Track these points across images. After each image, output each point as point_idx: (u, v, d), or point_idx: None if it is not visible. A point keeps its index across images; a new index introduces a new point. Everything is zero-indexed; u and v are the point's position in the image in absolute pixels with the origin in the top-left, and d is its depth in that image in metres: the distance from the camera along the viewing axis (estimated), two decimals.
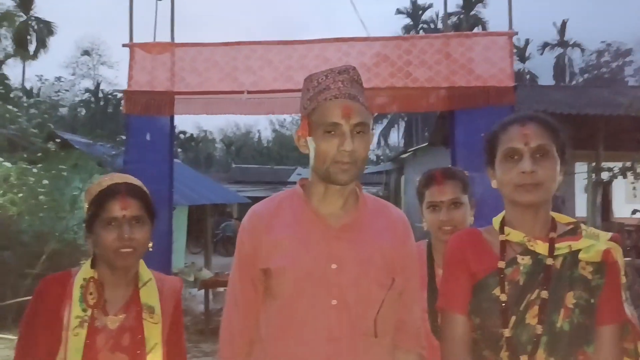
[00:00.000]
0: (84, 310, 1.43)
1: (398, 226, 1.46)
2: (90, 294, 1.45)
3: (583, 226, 1.36)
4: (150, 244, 1.51)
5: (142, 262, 1.56)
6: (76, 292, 1.45)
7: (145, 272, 1.56)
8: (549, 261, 1.29)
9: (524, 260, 1.31)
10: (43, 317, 1.43)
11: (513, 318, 1.28)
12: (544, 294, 1.27)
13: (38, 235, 7.29)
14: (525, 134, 1.31)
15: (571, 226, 1.36)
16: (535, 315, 1.26)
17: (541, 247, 1.31)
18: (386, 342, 1.41)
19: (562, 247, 1.30)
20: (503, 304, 1.28)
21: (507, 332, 1.27)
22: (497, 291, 1.30)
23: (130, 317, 1.47)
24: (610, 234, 1.33)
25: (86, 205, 1.52)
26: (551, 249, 1.30)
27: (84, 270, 1.50)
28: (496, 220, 1.40)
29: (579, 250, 1.29)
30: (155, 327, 1.48)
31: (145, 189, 1.54)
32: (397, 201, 20.35)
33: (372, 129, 1.42)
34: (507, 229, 1.36)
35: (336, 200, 1.42)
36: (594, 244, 1.28)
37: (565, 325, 1.25)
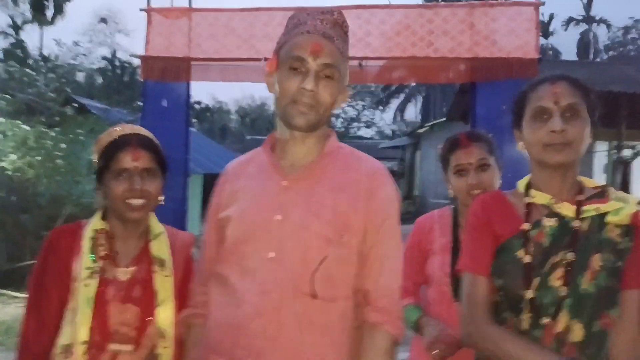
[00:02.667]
0: (94, 262, 1.42)
1: (366, 181, 1.31)
2: (101, 245, 1.44)
3: (611, 189, 1.32)
4: (162, 197, 1.49)
5: (153, 215, 1.54)
6: (86, 244, 1.43)
7: (157, 225, 1.54)
8: (576, 223, 1.26)
9: (550, 223, 1.28)
10: (53, 268, 1.43)
11: (536, 280, 1.25)
12: (570, 256, 1.23)
13: (55, 198, 7.39)
14: (555, 92, 1.26)
15: (599, 189, 1.32)
16: (559, 277, 1.24)
17: (568, 209, 1.27)
18: (335, 308, 1.26)
19: (590, 209, 1.26)
20: (526, 266, 1.26)
21: (529, 294, 1.24)
22: (520, 253, 1.27)
23: (141, 269, 1.46)
24: (638, 198, 1.29)
25: (96, 156, 1.49)
26: (578, 211, 1.27)
27: (95, 222, 1.48)
28: (521, 183, 1.37)
29: (606, 214, 1.26)
30: (166, 279, 1.47)
31: (156, 141, 1.51)
32: (412, 177, 20.23)
33: (344, 83, 1.32)
34: (533, 191, 1.32)
35: (298, 149, 1.33)
36: (623, 207, 1.25)
37: (591, 288, 1.22)
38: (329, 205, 1.27)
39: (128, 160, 1.42)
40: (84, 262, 1.42)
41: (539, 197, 1.31)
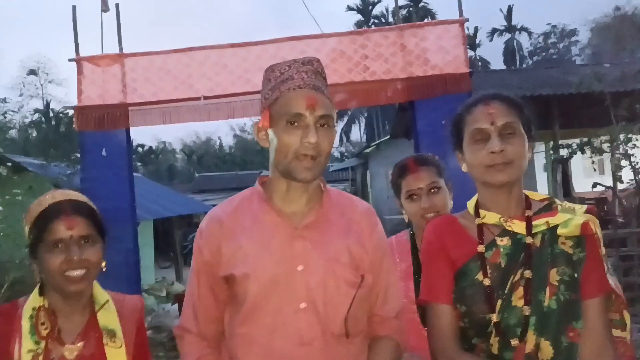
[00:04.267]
0: (37, 343, 1.31)
1: (364, 220, 1.40)
2: (42, 324, 1.33)
3: (557, 201, 1.34)
4: (104, 264, 1.39)
5: (96, 284, 1.44)
6: (25, 324, 1.32)
7: (101, 293, 1.44)
8: (528, 240, 1.27)
9: (503, 242, 1.29)
10: None
11: (499, 302, 1.25)
12: (527, 273, 1.24)
13: None
14: (490, 113, 1.28)
15: (546, 202, 1.35)
16: (521, 297, 1.24)
17: (519, 227, 1.28)
18: (358, 342, 1.35)
19: (540, 224, 1.28)
20: (487, 289, 1.25)
21: (494, 317, 1.24)
22: (479, 276, 1.27)
23: (90, 344, 1.36)
24: (585, 206, 1.32)
25: (27, 228, 1.38)
26: (529, 227, 1.28)
27: (32, 299, 1.37)
28: (470, 204, 1.37)
29: (557, 226, 1.27)
30: (118, 351, 1.37)
31: (92, 204, 1.42)
32: (365, 196, 20.48)
33: (335, 125, 1.36)
34: (482, 212, 1.33)
35: (299, 198, 1.35)
36: (571, 218, 1.27)
37: (552, 303, 1.23)
38: (344, 249, 1.33)
39: (62, 229, 1.32)
40: (25, 345, 1.30)
41: (489, 217, 1.32)
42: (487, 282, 1.26)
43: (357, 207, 1.42)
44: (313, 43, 4.89)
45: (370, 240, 1.38)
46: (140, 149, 35.11)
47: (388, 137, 16.11)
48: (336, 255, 1.32)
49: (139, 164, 32.22)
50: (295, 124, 1.27)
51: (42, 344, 1.31)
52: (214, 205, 1.51)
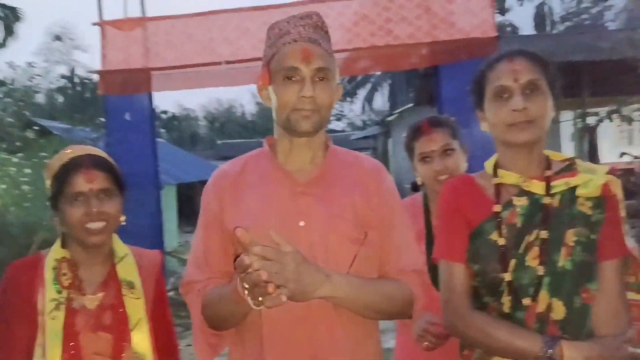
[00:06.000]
0: (59, 292, 1.36)
1: (370, 176, 1.37)
2: (64, 274, 1.37)
3: (579, 162, 1.31)
4: (123, 218, 1.43)
5: (116, 237, 1.47)
6: (48, 275, 1.37)
7: (120, 247, 1.48)
8: (547, 200, 1.25)
9: (521, 202, 1.27)
10: (15, 304, 1.36)
11: (513, 261, 1.24)
12: (544, 233, 1.23)
13: (26, 226, 7.19)
14: (514, 69, 1.25)
15: (567, 163, 1.31)
16: (535, 257, 1.23)
17: (537, 187, 1.26)
18: None
19: (559, 184, 1.25)
20: (502, 248, 1.24)
21: (507, 276, 1.23)
22: (494, 235, 1.26)
23: (110, 294, 1.41)
24: (607, 167, 1.29)
25: (48, 182, 1.42)
26: (548, 187, 1.26)
27: (55, 251, 1.41)
28: (489, 164, 1.35)
29: (576, 187, 1.25)
30: (137, 302, 1.41)
31: (111, 160, 1.45)
32: (386, 164, 20.36)
33: (337, 79, 1.34)
34: (500, 171, 1.31)
35: (303, 155, 1.34)
36: (592, 179, 1.24)
37: (567, 264, 1.21)
38: (348, 205, 1.31)
39: (82, 182, 1.35)
40: (49, 294, 1.35)
41: (508, 177, 1.30)
42: (502, 241, 1.25)
43: (363, 163, 1.40)
44: (335, 6, 4.80)
45: (377, 196, 1.35)
46: (163, 115, 35.37)
47: (411, 104, 15.86)
48: (339, 211, 1.30)
49: (162, 130, 32.52)
50: (292, 78, 1.26)
51: (65, 293, 1.36)
52: None
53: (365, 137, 25.49)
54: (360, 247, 1.30)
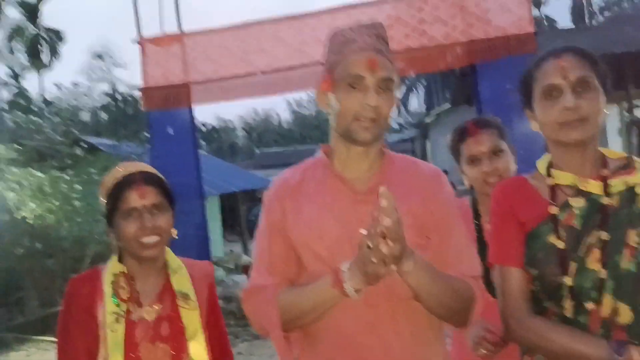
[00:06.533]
0: (118, 305, 1.41)
1: (428, 182, 1.37)
2: (122, 288, 1.43)
3: (636, 159, 1.27)
4: (175, 231, 1.48)
5: (169, 250, 1.52)
6: (107, 289, 1.43)
7: (174, 259, 1.53)
8: (605, 200, 1.21)
9: (578, 203, 1.23)
10: (77, 318, 1.42)
11: (573, 265, 1.20)
12: (604, 235, 1.19)
13: (78, 240, 7.46)
14: (562, 66, 1.21)
15: (623, 161, 1.27)
16: (597, 259, 1.19)
17: (594, 187, 1.22)
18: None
19: (617, 183, 1.21)
20: (560, 252, 1.21)
21: (568, 281, 1.20)
22: (552, 238, 1.23)
23: (166, 306, 1.45)
24: None
25: (103, 199, 1.48)
26: (605, 187, 1.22)
27: (112, 266, 1.47)
28: (541, 164, 1.32)
29: (635, 186, 1.20)
30: (192, 313, 1.45)
31: (160, 175, 1.50)
32: None
33: (397, 89, 1.34)
34: (554, 172, 1.27)
35: (361, 163, 1.35)
36: None
37: (631, 266, 1.17)
38: (407, 211, 1.29)
39: (135, 198, 1.41)
40: (108, 307, 1.41)
41: (563, 178, 1.26)
42: (560, 244, 1.21)
43: (422, 169, 1.40)
44: (368, 10, 4.79)
45: (436, 202, 1.35)
46: (203, 128, 36.12)
47: (449, 105, 15.64)
48: (400, 217, 1.29)
49: (202, 142, 33.21)
50: (356, 86, 1.27)
51: (123, 306, 1.42)
52: None
53: (402, 141, 25.28)
54: (421, 252, 1.28)
